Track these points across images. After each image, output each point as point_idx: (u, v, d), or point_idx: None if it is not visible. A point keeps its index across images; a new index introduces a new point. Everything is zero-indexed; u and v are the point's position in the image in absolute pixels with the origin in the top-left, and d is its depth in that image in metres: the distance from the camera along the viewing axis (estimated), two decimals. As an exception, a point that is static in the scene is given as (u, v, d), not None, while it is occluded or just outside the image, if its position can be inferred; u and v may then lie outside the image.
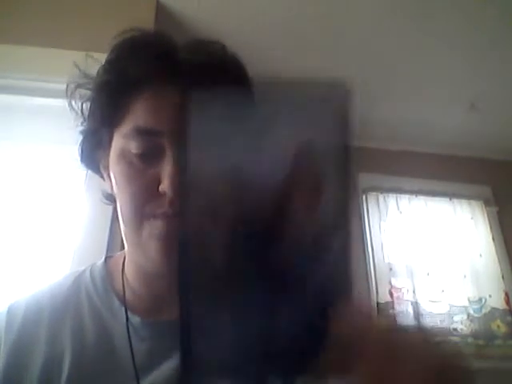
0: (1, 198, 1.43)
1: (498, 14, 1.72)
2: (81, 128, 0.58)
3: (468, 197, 2.48)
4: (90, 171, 0.62)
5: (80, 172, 1.34)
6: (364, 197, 2.45)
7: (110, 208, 1.19)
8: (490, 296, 2.20)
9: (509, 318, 2.15)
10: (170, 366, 0.52)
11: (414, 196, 2.45)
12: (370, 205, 2.42)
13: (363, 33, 1.85)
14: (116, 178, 0.53)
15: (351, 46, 1.93)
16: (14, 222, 1.41)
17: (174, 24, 1.73)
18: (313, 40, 1.90)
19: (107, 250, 1.18)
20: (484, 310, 2.17)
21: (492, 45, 1.88)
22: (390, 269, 2.23)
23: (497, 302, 2.19)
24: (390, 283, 2.19)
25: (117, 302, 0.57)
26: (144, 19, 1.58)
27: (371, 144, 2.60)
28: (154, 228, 0.49)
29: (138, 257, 0.54)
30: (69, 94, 0.57)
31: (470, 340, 2.09)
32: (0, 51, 1.39)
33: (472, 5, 1.69)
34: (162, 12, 1.67)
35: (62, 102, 1.43)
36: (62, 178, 1.46)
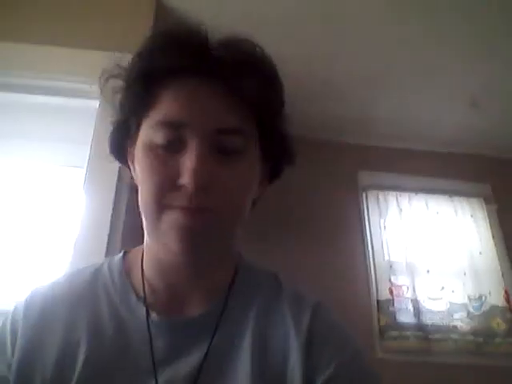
0: (1, 196, 1.43)
1: (498, 13, 1.72)
2: (112, 119, 0.59)
3: (468, 194, 2.48)
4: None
5: (81, 168, 1.34)
6: (364, 195, 2.45)
7: (111, 204, 1.20)
8: (489, 293, 2.20)
9: (508, 316, 2.15)
10: (187, 362, 0.53)
11: (414, 194, 2.45)
12: (370, 203, 2.42)
13: (363, 32, 1.85)
14: (140, 168, 0.53)
15: (351, 45, 1.92)
16: (15, 218, 1.41)
17: (174, 23, 1.72)
18: (313, 40, 1.89)
19: (107, 246, 1.18)
20: (484, 308, 2.17)
21: (492, 43, 1.88)
22: (390, 266, 2.23)
23: (496, 299, 2.19)
24: (390, 281, 2.19)
25: (134, 298, 0.57)
26: (144, 18, 1.58)
27: (371, 142, 2.60)
28: (173, 220, 0.49)
29: (158, 248, 0.55)
30: (101, 85, 0.58)
31: (469, 337, 2.09)
32: (1, 49, 1.39)
33: (472, 4, 1.69)
34: (161, 11, 1.67)
35: (63, 100, 1.44)
36: (62, 174, 1.46)
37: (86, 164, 1.28)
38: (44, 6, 1.56)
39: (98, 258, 1.13)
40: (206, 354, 0.53)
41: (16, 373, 0.52)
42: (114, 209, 1.21)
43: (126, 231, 1.20)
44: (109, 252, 1.16)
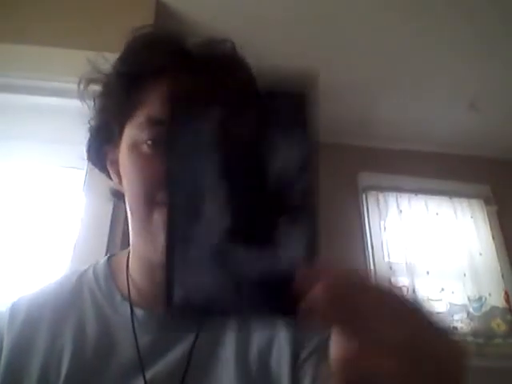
0: (1, 197, 1.43)
1: (498, 13, 1.72)
2: (89, 125, 0.59)
3: (468, 195, 2.48)
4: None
5: (80, 170, 1.34)
6: (364, 196, 2.45)
7: (111, 205, 1.20)
8: (489, 294, 2.20)
9: (508, 317, 2.15)
10: (173, 357, 0.52)
11: (413, 195, 2.45)
12: (369, 204, 2.42)
13: (363, 33, 1.85)
14: (126, 169, 0.53)
15: (351, 45, 1.93)
16: (14, 220, 1.41)
17: (174, 23, 1.73)
18: (313, 40, 1.90)
19: (107, 248, 1.18)
20: (484, 309, 2.17)
21: (492, 44, 1.88)
22: (390, 267, 2.23)
23: (497, 300, 2.19)
24: (390, 282, 2.19)
25: (119, 297, 0.57)
26: (144, 18, 1.58)
27: (371, 143, 2.60)
28: (164, 216, 0.49)
29: (147, 248, 0.54)
30: (81, 90, 0.59)
31: (469, 338, 2.09)
32: (2, 50, 1.39)
33: (472, 4, 1.69)
34: (161, 11, 1.67)
35: (61, 101, 1.43)
36: (62, 175, 1.46)
37: (85, 165, 1.28)
38: (44, 7, 1.56)
39: (98, 259, 1.13)
40: (193, 346, 0.53)
41: (1, 380, 0.52)
42: (113, 210, 1.21)
43: (125, 232, 1.20)
44: (109, 253, 1.16)
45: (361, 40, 1.89)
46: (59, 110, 1.40)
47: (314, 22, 1.81)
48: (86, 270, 0.63)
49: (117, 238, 1.21)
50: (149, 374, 0.51)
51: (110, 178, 0.60)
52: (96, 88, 0.57)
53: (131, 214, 0.54)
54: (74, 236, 1.24)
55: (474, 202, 2.47)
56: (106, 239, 1.21)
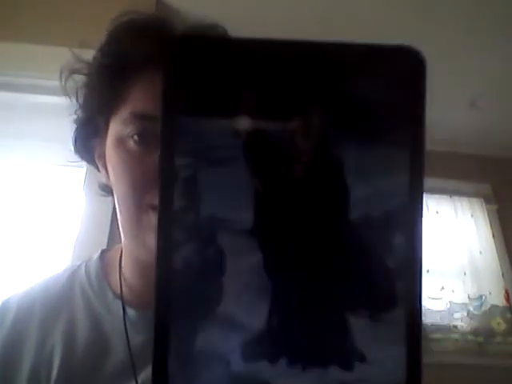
0: (1, 195, 1.44)
1: (498, 12, 1.72)
2: (75, 116, 0.56)
3: (468, 194, 2.48)
4: (85, 162, 0.60)
5: (80, 167, 1.34)
6: (364, 195, 2.45)
7: (111, 201, 1.20)
8: (490, 293, 2.20)
9: (509, 316, 2.15)
10: None
11: (414, 194, 2.45)
12: (370, 203, 2.42)
13: (363, 32, 1.85)
14: (113, 166, 0.51)
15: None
16: (14, 218, 1.41)
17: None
18: (313, 39, 1.90)
19: (108, 244, 1.18)
20: (484, 308, 2.17)
21: (492, 42, 1.88)
22: (390, 266, 2.23)
23: (497, 299, 2.19)
24: None
25: (111, 296, 0.55)
26: (144, 17, 1.58)
27: (371, 142, 2.60)
28: (155, 219, 0.46)
29: (137, 248, 0.52)
30: (63, 81, 0.55)
31: (470, 337, 2.09)
32: (3, 49, 1.40)
33: (472, 4, 1.69)
34: (162, 10, 1.67)
35: (62, 100, 1.43)
36: (62, 174, 1.47)
37: (86, 164, 1.28)
38: (44, 5, 1.56)
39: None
40: None
41: None
42: (114, 209, 1.21)
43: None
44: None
45: (361, 40, 1.89)
46: (59, 108, 1.41)
47: (314, 22, 1.80)
48: (78, 267, 0.61)
49: (117, 238, 1.20)
50: (141, 377, 0.49)
51: (99, 171, 0.57)
52: (79, 79, 0.54)
53: (120, 213, 0.52)
54: (74, 234, 1.25)
55: (474, 200, 2.47)
56: (106, 238, 1.21)
